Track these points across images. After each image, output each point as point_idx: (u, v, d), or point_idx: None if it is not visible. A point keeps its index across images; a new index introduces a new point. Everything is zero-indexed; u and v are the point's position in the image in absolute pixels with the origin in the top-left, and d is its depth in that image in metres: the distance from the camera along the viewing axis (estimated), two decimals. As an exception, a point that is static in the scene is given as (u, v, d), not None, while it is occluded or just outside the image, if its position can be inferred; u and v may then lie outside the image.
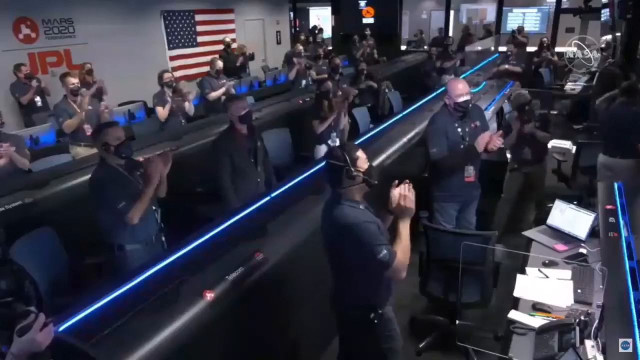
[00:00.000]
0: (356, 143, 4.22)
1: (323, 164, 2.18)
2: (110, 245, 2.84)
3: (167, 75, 5.61)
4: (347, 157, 2.07)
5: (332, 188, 2.17)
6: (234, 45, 9.83)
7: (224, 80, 6.34)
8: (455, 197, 3.58)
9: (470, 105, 3.46)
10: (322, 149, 4.80)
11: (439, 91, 6.73)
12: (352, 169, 2.07)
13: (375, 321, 2.13)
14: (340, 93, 6.03)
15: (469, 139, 3.44)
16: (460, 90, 3.36)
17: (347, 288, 2.20)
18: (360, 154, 2.12)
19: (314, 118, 4.86)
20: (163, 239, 3.05)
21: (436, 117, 3.57)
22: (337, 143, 4.84)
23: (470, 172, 3.50)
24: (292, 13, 14.18)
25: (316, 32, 13.27)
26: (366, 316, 2.13)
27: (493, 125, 3.57)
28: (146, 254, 2.83)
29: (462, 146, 3.44)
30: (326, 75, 7.47)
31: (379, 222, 2.12)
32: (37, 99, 6.24)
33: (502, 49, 11.25)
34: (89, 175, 3.33)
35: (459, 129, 3.44)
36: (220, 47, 9.64)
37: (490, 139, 3.38)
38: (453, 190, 3.55)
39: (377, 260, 2.00)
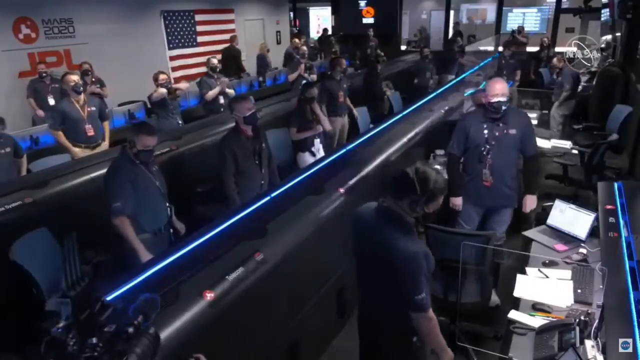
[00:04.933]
0: (356, 143, 4.24)
1: (399, 173, 1.93)
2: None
3: (162, 77, 5.62)
4: (429, 193, 1.87)
5: (388, 197, 1.96)
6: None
7: (223, 78, 6.34)
8: (472, 198, 3.45)
9: (505, 108, 3.22)
10: (306, 157, 4.71)
11: (439, 91, 6.74)
12: (424, 207, 1.89)
13: (418, 344, 2.01)
14: (341, 93, 6.05)
15: (495, 143, 3.27)
16: (496, 90, 3.20)
17: (389, 310, 2.01)
18: (441, 199, 1.94)
19: (292, 125, 4.72)
20: (171, 230, 3.19)
21: (467, 114, 3.58)
22: (321, 151, 4.78)
23: (486, 176, 3.33)
24: (292, 13, 14.20)
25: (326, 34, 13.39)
26: (408, 340, 2.00)
27: (512, 131, 3.47)
28: (155, 243, 3.00)
29: (482, 149, 3.29)
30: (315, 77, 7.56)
31: (430, 254, 1.96)
32: (51, 98, 6.21)
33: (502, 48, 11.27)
34: (89, 175, 3.36)
35: (486, 131, 3.28)
36: (220, 47, 9.68)
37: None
38: (470, 191, 3.43)
39: (413, 299, 1.86)
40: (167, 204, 3.16)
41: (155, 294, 1.29)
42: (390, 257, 1.86)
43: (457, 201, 3.45)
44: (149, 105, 6.80)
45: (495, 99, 3.20)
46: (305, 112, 4.74)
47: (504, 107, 3.21)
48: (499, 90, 3.20)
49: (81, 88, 4.83)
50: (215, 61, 6.25)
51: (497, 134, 3.28)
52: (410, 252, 1.84)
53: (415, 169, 1.90)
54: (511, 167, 3.37)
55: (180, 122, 5.84)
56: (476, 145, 3.33)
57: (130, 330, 1.13)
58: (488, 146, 3.29)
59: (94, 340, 1.09)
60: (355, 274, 2.19)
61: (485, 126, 3.30)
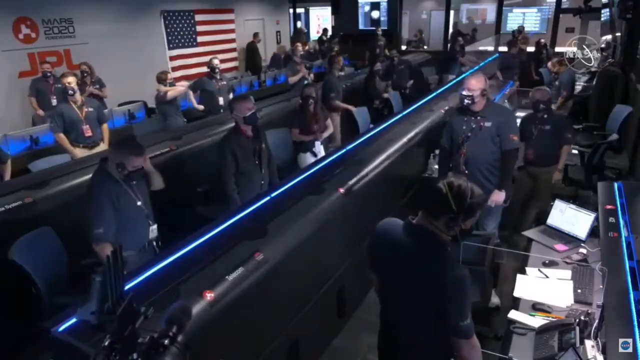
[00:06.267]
0: (356, 143, 4.24)
1: (437, 186, 1.77)
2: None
3: (170, 76, 5.80)
4: (466, 209, 1.73)
5: (421, 215, 1.81)
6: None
7: (224, 82, 6.33)
8: None
9: (469, 102, 3.41)
10: (307, 157, 4.72)
11: (439, 91, 6.75)
12: (461, 224, 1.75)
13: None
14: (339, 90, 6.10)
15: (471, 135, 3.48)
16: (465, 84, 3.45)
17: (425, 332, 1.85)
18: (479, 212, 1.82)
19: (294, 125, 4.73)
20: (154, 243, 3.02)
21: (455, 110, 3.76)
22: (322, 152, 4.80)
23: (460, 165, 3.54)
24: (291, 12, 14.21)
25: (302, 33, 13.49)
26: None
27: (487, 123, 3.55)
28: (140, 259, 2.83)
29: (460, 138, 3.52)
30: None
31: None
32: (54, 98, 6.19)
33: (503, 49, 11.30)
34: (89, 176, 3.34)
35: (464, 123, 3.51)
36: (220, 47, 9.68)
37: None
38: None
39: (457, 325, 1.71)
40: (150, 222, 2.96)
41: (185, 301, 1.27)
42: (433, 280, 1.72)
43: None
44: (149, 105, 6.86)
45: (462, 91, 3.47)
46: (306, 112, 4.75)
47: (466, 101, 3.43)
48: (467, 84, 3.44)
49: (71, 91, 4.78)
50: (216, 62, 6.24)
51: (473, 125, 3.49)
52: (456, 275, 1.69)
53: (448, 184, 1.74)
54: (487, 160, 3.50)
55: (184, 119, 6.01)
56: (456, 137, 3.57)
57: (166, 342, 1.12)
58: (464, 135, 3.51)
59: (134, 355, 1.09)
60: (353, 275, 2.17)
61: (465, 119, 3.53)
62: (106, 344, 1.06)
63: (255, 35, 11.16)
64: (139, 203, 2.88)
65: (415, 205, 1.88)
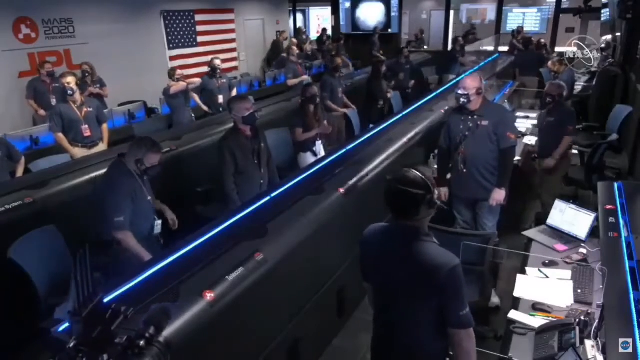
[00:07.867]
0: (356, 143, 4.24)
1: (397, 190, 1.78)
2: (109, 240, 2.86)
3: (179, 72, 6.00)
4: (429, 183, 1.77)
5: (401, 219, 1.82)
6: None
7: (224, 80, 6.35)
8: (454, 189, 3.66)
9: (465, 101, 3.44)
10: (308, 157, 4.72)
11: (439, 91, 6.75)
12: (435, 196, 1.78)
13: None
14: (340, 89, 6.09)
15: (469, 134, 3.50)
16: (461, 83, 3.49)
17: (425, 332, 1.84)
18: (432, 177, 1.85)
19: (297, 125, 4.72)
20: (158, 239, 3.11)
21: (452, 110, 3.79)
22: (322, 151, 4.79)
23: (459, 164, 3.57)
24: (291, 12, 14.20)
25: (302, 33, 13.47)
26: None
27: (484, 122, 3.57)
28: (147, 246, 2.94)
29: (458, 138, 3.54)
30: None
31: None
32: (53, 98, 6.14)
33: (502, 48, 11.32)
34: (89, 176, 3.35)
35: (462, 122, 3.53)
36: (220, 47, 9.67)
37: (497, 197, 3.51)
38: (452, 181, 3.65)
39: (458, 315, 1.72)
40: (155, 217, 3.09)
41: (167, 303, 1.26)
42: (427, 275, 1.73)
43: (442, 190, 3.58)
44: (149, 105, 6.88)
45: (457, 90, 3.50)
46: (308, 112, 4.75)
47: (462, 100, 3.46)
48: (462, 83, 3.47)
49: (70, 91, 4.77)
50: (217, 62, 6.27)
51: (470, 125, 3.51)
52: (449, 267, 1.70)
53: (400, 183, 1.77)
54: (485, 158, 3.52)
55: (193, 115, 6.12)
56: (455, 136, 3.59)
57: (142, 343, 1.11)
58: (462, 135, 3.53)
59: (105, 356, 1.07)
60: (353, 275, 2.16)
61: (462, 118, 3.55)
62: (71, 345, 1.04)
63: (282, 33, 11.68)
64: (149, 198, 3.03)
65: (394, 217, 1.86)
